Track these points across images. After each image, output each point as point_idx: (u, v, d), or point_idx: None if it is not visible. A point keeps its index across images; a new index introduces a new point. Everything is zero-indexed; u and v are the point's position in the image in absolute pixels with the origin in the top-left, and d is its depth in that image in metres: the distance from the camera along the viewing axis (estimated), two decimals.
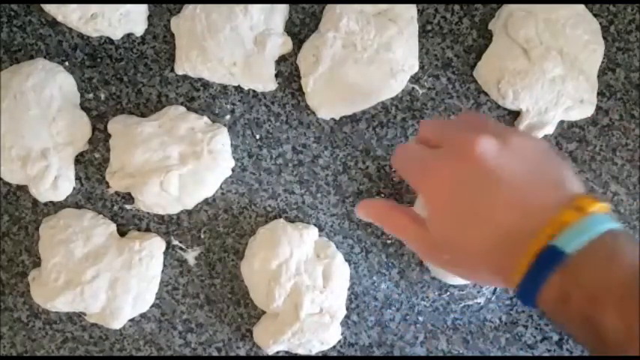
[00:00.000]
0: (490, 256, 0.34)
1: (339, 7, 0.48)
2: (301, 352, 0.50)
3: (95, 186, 0.51)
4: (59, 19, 0.49)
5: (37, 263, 0.51)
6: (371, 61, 0.48)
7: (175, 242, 0.51)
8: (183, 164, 0.48)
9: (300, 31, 0.50)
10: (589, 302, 0.30)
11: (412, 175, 0.39)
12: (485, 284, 0.39)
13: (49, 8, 0.48)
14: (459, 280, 0.50)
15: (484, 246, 0.34)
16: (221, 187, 0.51)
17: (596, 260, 0.30)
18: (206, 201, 0.51)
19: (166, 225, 0.51)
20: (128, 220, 0.51)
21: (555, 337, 0.51)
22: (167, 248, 0.51)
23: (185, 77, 0.51)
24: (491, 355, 0.51)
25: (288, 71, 0.51)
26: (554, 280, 0.31)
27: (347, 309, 0.51)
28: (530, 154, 0.35)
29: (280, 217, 0.51)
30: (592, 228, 0.31)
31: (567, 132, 0.50)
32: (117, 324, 0.50)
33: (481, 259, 0.35)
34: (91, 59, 0.51)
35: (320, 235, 0.51)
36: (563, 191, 0.33)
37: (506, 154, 0.35)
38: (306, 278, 0.48)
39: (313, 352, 0.50)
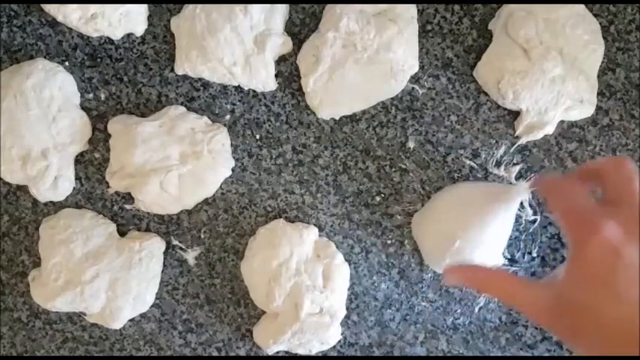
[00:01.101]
0: (627, 336, 0.34)
1: (339, 7, 0.48)
2: (301, 352, 0.50)
3: (95, 186, 0.51)
4: (59, 19, 0.49)
5: (37, 263, 0.51)
6: (371, 61, 0.48)
7: (175, 242, 0.51)
8: (183, 164, 0.48)
9: (300, 31, 0.50)
10: None
11: (572, 225, 0.38)
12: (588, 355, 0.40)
13: (49, 8, 0.48)
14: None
15: (621, 328, 0.35)
16: (221, 187, 0.51)
17: None
18: (206, 201, 0.51)
19: (166, 225, 0.51)
20: (128, 220, 0.51)
21: (555, 337, 0.51)
22: (167, 248, 0.51)
23: (185, 77, 0.51)
24: (492, 355, 0.51)
25: (288, 71, 0.51)
26: None
27: (347, 309, 0.51)
28: None
29: (280, 217, 0.51)
30: None
31: (567, 132, 0.50)
32: (117, 324, 0.50)
33: (614, 336, 0.35)
34: (91, 59, 0.51)
35: (320, 235, 0.51)
36: None
37: None
38: (306, 278, 0.48)
39: (313, 352, 0.50)
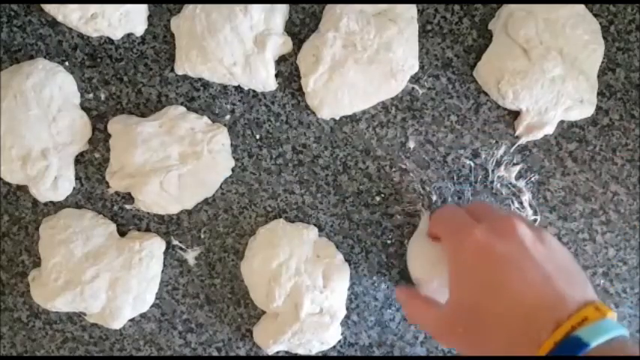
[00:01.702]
0: (507, 334, 0.36)
1: (339, 7, 0.48)
2: (301, 352, 0.50)
3: (95, 186, 0.51)
4: (59, 19, 0.49)
5: (37, 263, 0.51)
6: (371, 61, 0.48)
7: (175, 242, 0.51)
8: (183, 164, 0.48)
9: (300, 31, 0.50)
10: None
11: (446, 238, 0.42)
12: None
13: (49, 8, 0.48)
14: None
15: (505, 321, 0.36)
16: (221, 187, 0.51)
17: (612, 356, 0.33)
18: (206, 201, 0.51)
19: (166, 225, 0.51)
20: (128, 220, 0.51)
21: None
22: (167, 248, 0.51)
23: (185, 77, 0.51)
24: None
25: (288, 71, 0.51)
26: None
27: (347, 309, 0.51)
28: (559, 253, 0.39)
29: (280, 217, 0.51)
30: (611, 329, 0.34)
31: (567, 132, 0.50)
32: (117, 324, 0.50)
33: (496, 336, 0.36)
34: (91, 59, 0.51)
35: (320, 235, 0.51)
36: (585, 292, 0.37)
37: (540, 244, 0.39)
38: (306, 278, 0.48)
39: (313, 352, 0.50)
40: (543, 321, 0.35)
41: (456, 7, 0.50)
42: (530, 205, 0.50)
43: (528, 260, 0.38)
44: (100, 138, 0.51)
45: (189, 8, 0.49)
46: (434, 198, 0.51)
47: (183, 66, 0.49)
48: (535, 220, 0.51)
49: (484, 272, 0.38)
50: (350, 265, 0.51)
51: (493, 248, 0.38)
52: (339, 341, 0.51)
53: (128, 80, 0.51)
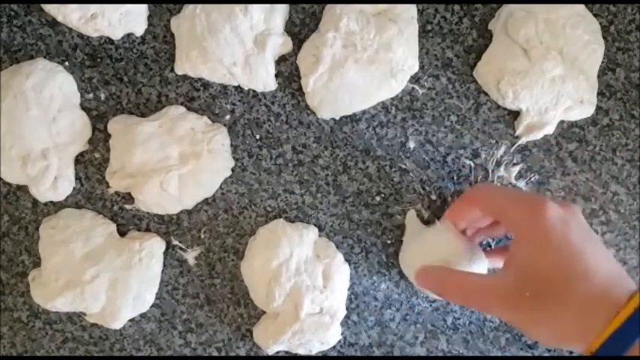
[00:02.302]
0: (580, 303, 0.36)
1: (339, 7, 0.48)
2: (301, 352, 0.50)
3: (95, 186, 0.51)
4: (59, 19, 0.49)
5: (37, 263, 0.51)
6: (371, 61, 0.48)
7: (175, 242, 0.51)
8: (183, 164, 0.48)
9: (300, 31, 0.50)
10: None
11: (519, 210, 0.41)
12: (548, 338, 0.40)
13: (49, 8, 0.48)
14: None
15: (580, 292, 0.37)
16: (221, 187, 0.51)
17: None
18: (206, 201, 0.51)
19: (166, 225, 0.51)
20: (128, 220, 0.51)
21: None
22: (167, 248, 0.51)
23: (185, 77, 0.51)
24: (492, 355, 0.52)
25: (288, 71, 0.51)
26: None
27: (347, 309, 0.51)
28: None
29: (280, 217, 0.51)
30: None
31: (567, 132, 0.50)
32: (117, 324, 0.50)
33: (569, 304, 0.37)
34: (91, 59, 0.51)
35: (320, 235, 0.51)
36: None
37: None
38: (306, 278, 0.48)
39: (313, 352, 0.50)
40: (617, 295, 0.36)
41: (456, 7, 0.50)
42: None
43: (595, 239, 0.40)
44: (100, 138, 0.51)
45: (189, 8, 0.49)
46: (434, 198, 0.51)
47: (183, 66, 0.49)
48: None
49: (566, 243, 0.38)
50: (350, 265, 0.51)
51: (572, 220, 0.39)
52: (339, 341, 0.51)
53: (128, 80, 0.51)
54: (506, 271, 0.40)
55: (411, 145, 0.51)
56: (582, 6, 0.49)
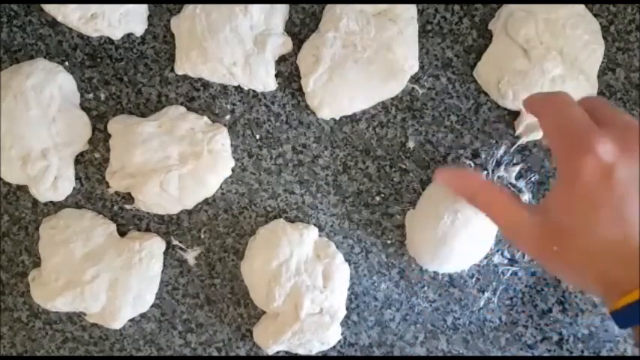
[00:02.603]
0: (609, 265, 0.34)
1: (339, 7, 0.48)
2: (301, 352, 0.50)
3: (95, 186, 0.51)
4: (59, 19, 0.49)
5: (37, 263, 0.51)
6: (371, 61, 0.48)
7: (175, 242, 0.51)
8: (183, 164, 0.48)
9: (300, 31, 0.50)
10: None
11: (562, 146, 0.36)
12: (578, 287, 0.38)
13: (49, 8, 0.48)
14: (449, 268, 0.50)
15: (611, 252, 0.34)
16: (221, 187, 0.51)
17: None
18: (206, 201, 0.51)
19: (166, 225, 0.51)
20: (128, 220, 0.51)
21: (555, 337, 0.51)
22: (167, 248, 0.51)
23: (185, 77, 0.51)
24: (491, 355, 0.51)
25: (288, 71, 0.51)
26: None
27: (347, 309, 0.51)
28: None
29: (280, 217, 0.51)
30: None
31: None
32: (117, 324, 0.50)
33: (598, 265, 0.34)
34: (91, 59, 0.51)
35: (320, 235, 0.51)
36: None
37: None
38: (306, 278, 0.48)
39: (313, 352, 0.50)
40: None
41: (456, 7, 0.50)
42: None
43: None
44: (100, 138, 0.51)
45: (189, 8, 0.49)
46: None
47: (183, 66, 0.49)
48: None
49: (600, 199, 0.34)
50: (350, 265, 0.51)
51: (616, 171, 0.34)
52: (339, 341, 0.51)
53: (128, 80, 0.51)
54: (540, 211, 0.37)
55: (411, 145, 0.51)
56: (582, 6, 0.49)
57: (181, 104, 0.50)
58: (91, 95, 0.51)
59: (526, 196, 0.50)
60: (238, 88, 0.50)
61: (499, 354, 0.51)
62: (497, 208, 0.38)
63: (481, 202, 0.38)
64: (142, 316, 0.51)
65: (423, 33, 0.50)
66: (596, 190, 0.34)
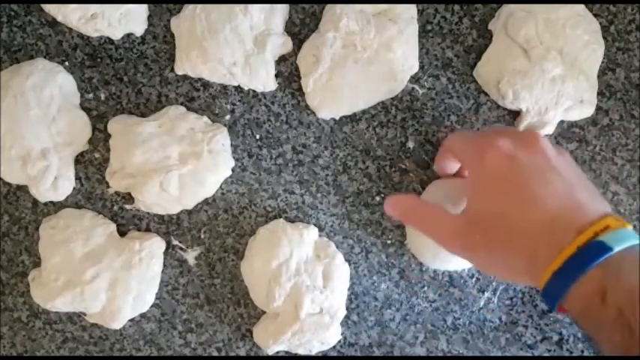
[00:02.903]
0: (529, 240, 0.36)
1: (339, 7, 0.48)
2: (301, 352, 0.50)
3: (95, 186, 0.51)
4: (59, 19, 0.49)
5: (37, 263, 0.51)
6: (371, 61, 0.48)
7: (175, 242, 0.51)
8: (183, 164, 0.48)
9: (300, 31, 0.50)
10: (627, 297, 0.32)
11: (467, 152, 0.41)
12: (504, 275, 0.41)
13: (49, 8, 0.48)
14: (450, 266, 0.50)
15: (528, 228, 0.36)
16: (221, 187, 0.51)
17: (636, 261, 0.33)
18: (206, 201, 0.51)
19: (166, 225, 0.51)
20: (128, 220, 0.51)
21: (555, 337, 0.51)
22: (167, 248, 0.51)
23: (185, 77, 0.51)
24: (492, 355, 0.51)
25: (288, 71, 0.51)
26: (594, 273, 0.33)
27: (347, 309, 0.51)
28: (578, 168, 0.40)
29: (280, 217, 0.51)
30: (632, 237, 0.34)
31: (567, 132, 0.50)
32: (117, 324, 0.50)
33: (518, 242, 0.36)
34: (91, 59, 0.51)
35: (320, 235, 0.51)
36: (604, 205, 0.38)
37: (561, 157, 0.39)
38: (306, 278, 0.48)
39: (313, 352, 0.50)
40: (566, 228, 0.35)
41: (456, 7, 0.50)
42: None
43: (551, 170, 0.38)
44: (100, 138, 0.51)
45: (189, 8, 0.49)
46: None
47: (183, 66, 0.49)
48: None
49: (507, 181, 0.38)
50: (350, 265, 0.51)
51: (517, 158, 0.38)
52: (339, 341, 0.51)
53: (128, 80, 0.51)
54: (463, 212, 0.41)
55: (411, 145, 0.51)
56: (582, 6, 0.49)
57: (181, 104, 0.50)
58: (91, 95, 0.51)
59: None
60: (238, 88, 0.50)
61: (499, 354, 0.51)
62: (426, 220, 0.42)
63: (413, 219, 0.43)
64: (142, 316, 0.51)
65: (423, 33, 0.50)
66: (505, 175, 0.38)
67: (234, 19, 0.48)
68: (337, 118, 0.50)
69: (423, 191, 0.51)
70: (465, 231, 0.39)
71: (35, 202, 0.51)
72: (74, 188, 0.51)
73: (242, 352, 0.52)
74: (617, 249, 0.33)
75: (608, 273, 0.33)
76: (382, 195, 0.51)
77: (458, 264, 0.50)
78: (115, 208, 0.51)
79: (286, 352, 0.51)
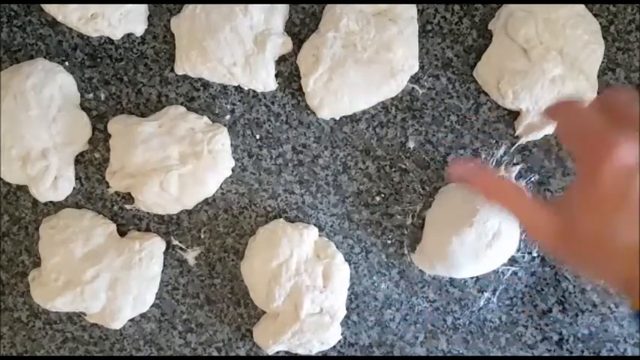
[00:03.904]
0: (627, 261, 0.34)
1: (339, 7, 0.48)
2: (301, 352, 0.50)
3: (95, 186, 0.51)
4: (59, 19, 0.49)
5: (37, 263, 0.51)
6: (371, 61, 0.48)
7: (175, 242, 0.51)
8: (183, 164, 0.48)
9: (300, 31, 0.50)
10: None
11: (582, 151, 0.36)
12: (598, 280, 0.39)
13: (49, 8, 0.48)
14: (454, 273, 0.50)
15: (629, 248, 0.34)
16: (221, 187, 0.51)
17: None
18: (206, 201, 0.51)
19: (166, 225, 0.51)
20: (128, 220, 0.51)
21: (555, 337, 0.51)
22: (167, 248, 0.51)
23: (185, 77, 0.51)
24: (492, 355, 0.52)
25: (288, 71, 0.51)
26: None
27: (347, 309, 0.51)
28: None
29: (280, 217, 0.51)
30: None
31: None
32: (117, 324, 0.50)
33: (623, 261, 0.34)
34: (91, 59, 0.51)
35: (320, 235, 0.51)
36: None
37: None
38: (306, 278, 0.48)
39: (313, 352, 0.50)
40: None
41: (456, 7, 0.50)
42: None
43: None
44: (100, 138, 0.51)
45: (189, 8, 0.49)
46: (434, 198, 0.51)
47: (183, 66, 0.49)
48: None
49: (626, 199, 0.34)
50: (350, 265, 0.51)
51: (634, 174, 0.33)
52: (339, 341, 0.51)
53: (128, 80, 0.51)
54: (560, 209, 0.37)
55: (411, 145, 0.51)
56: (582, 6, 0.49)
57: (181, 104, 0.50)
58: (91, 95, 0.51)
59: None
60: (238, 88, 0.50)
61: (499, 354, 0.51)
62: (520, 207, 0.38)
63: (503, 200, 0.39)
64: (142, 316, 0.51)
65: (423, 33, 0.50)
66: (624, 193, 0.34)
67: (234, 19, 0.48)
68: (337, 118, 0.50)
69: (423, 191, 0.51)
70: (565, 237, 0.36)
71: (35, 202, 0.51)
72: (74, 188, 0.51)
73: (242, 352, 0.52)
74: None
75: None
76: (382, 195, 0.51)
77: (467, 274, 0.50)
78: (115, 208, 0.51)
79: (286, 352, 0.51)
